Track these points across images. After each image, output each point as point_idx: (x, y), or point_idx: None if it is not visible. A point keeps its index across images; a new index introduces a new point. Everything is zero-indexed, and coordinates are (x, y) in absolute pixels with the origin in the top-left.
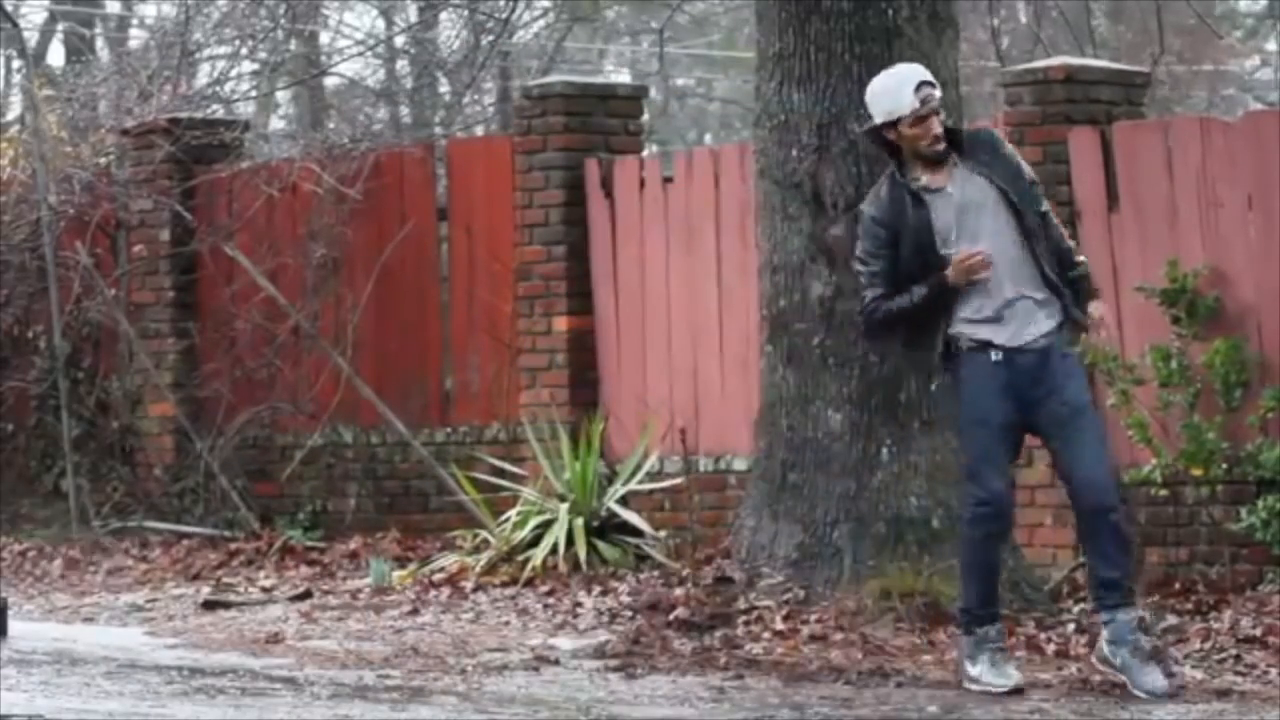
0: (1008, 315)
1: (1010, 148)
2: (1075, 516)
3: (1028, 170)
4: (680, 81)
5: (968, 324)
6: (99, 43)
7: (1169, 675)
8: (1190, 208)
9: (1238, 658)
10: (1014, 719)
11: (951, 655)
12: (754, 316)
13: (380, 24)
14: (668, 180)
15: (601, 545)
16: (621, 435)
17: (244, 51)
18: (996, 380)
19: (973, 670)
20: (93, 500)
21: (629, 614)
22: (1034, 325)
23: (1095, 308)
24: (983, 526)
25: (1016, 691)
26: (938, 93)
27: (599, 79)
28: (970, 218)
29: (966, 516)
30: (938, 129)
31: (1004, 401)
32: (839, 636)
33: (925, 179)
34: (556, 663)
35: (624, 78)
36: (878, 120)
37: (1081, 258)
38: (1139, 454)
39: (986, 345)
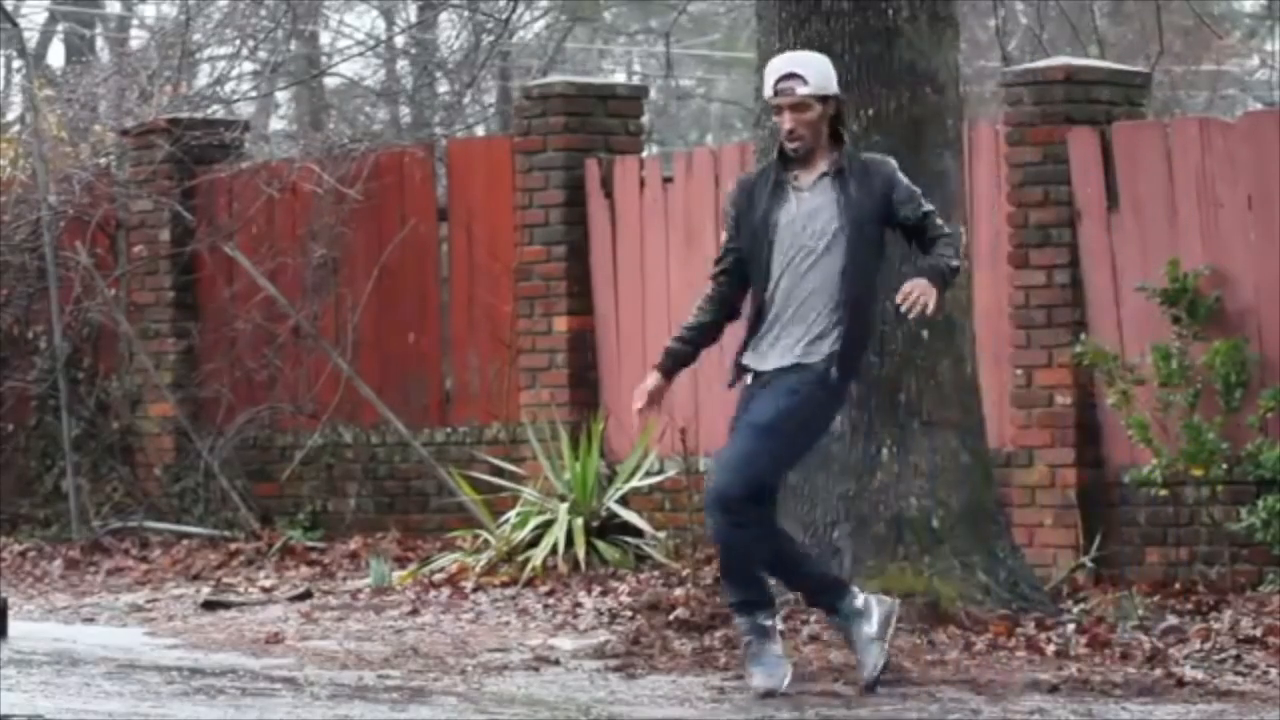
0: (766, 344)
1: (900, 183)
2: None
3: (904, 193)
4: (681, 82)
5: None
6: (99, 43)
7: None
8: (1190, 208)
9: (1238, 658)
10: (1014, 719)
11: (952, 655)
12: None
13: (380, 24)
14: (668, 180)
15: (601, 545)
16: (621, 435)
17: (244, 51)
18: (745, 397)
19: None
20: (93, 500)
21: (629, 614)
22: (780, 357)
23: (908, 285)
24: (709, 518)
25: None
26: (803, 90)
27: (599, 79)
28: (794, 231)
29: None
30: (789, 124)
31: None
32: (839, 636)
33: (797, 172)
34: (556, 663)
35: (622, 77)
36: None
37: (945, 255)
38: (1139, 454)
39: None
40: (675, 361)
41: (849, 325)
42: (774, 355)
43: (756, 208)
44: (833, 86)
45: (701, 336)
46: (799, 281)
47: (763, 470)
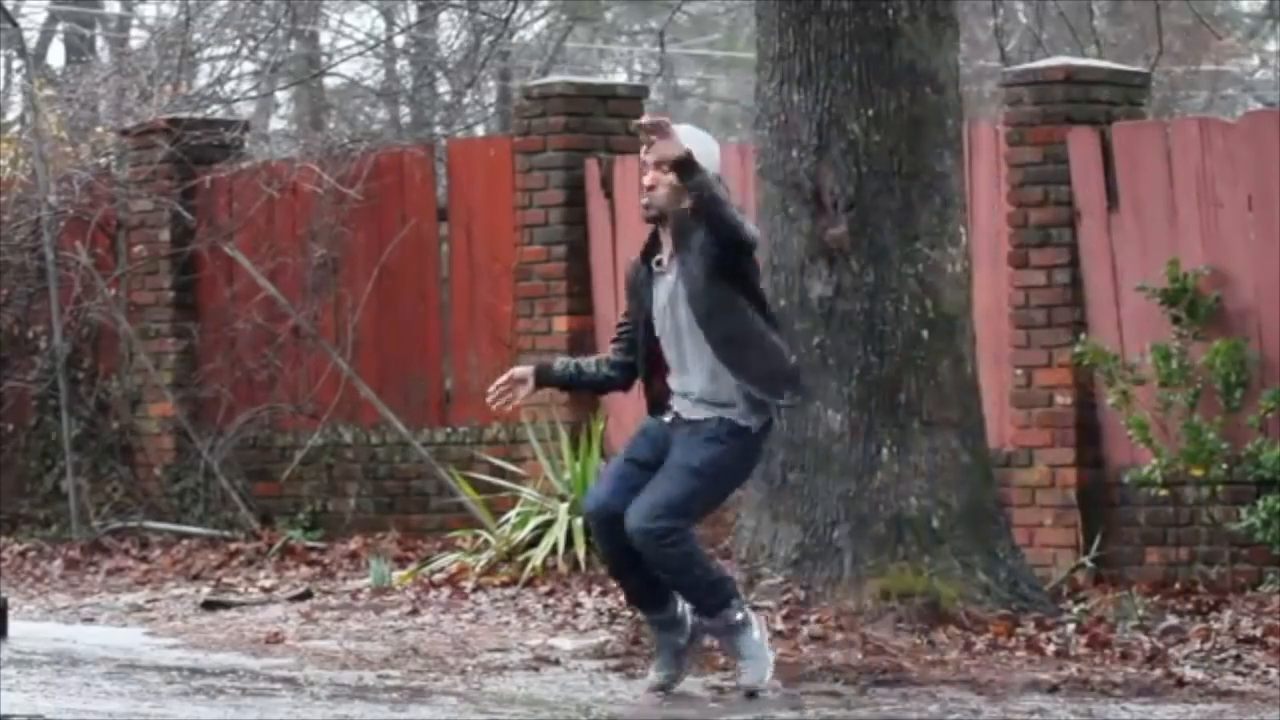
0: (674, 401)
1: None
2: None
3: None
4: (681, 82)
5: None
6: (99, 43)
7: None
8: (1190, 208)
9: (1238, 658)
10: (1014, 719)
11: (952, 655)
12: None
13: (380, 24)
14: None
15: None
16: (621, 435)
17: (244, 51)
18: (651, 429)
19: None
20: (93, 500)
21: (629, 614)
22: (686, 412)
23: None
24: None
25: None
26: (667, 151)
27: (599, 79)
28: (662, 316)
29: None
30: (649, 180)
31: (645, 447)
32: (839, 636)
33: (660, 255)
34: (556, 663)
35: (623, 77)
36: None
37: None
38: (1139, 454)
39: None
40: (548, 375)
41: (746, 374)
42: (692, 411)
43: (637, 295)
44: (709, 168)
45: (584, 375)
46: (685, 356)
47: (686, 512)
